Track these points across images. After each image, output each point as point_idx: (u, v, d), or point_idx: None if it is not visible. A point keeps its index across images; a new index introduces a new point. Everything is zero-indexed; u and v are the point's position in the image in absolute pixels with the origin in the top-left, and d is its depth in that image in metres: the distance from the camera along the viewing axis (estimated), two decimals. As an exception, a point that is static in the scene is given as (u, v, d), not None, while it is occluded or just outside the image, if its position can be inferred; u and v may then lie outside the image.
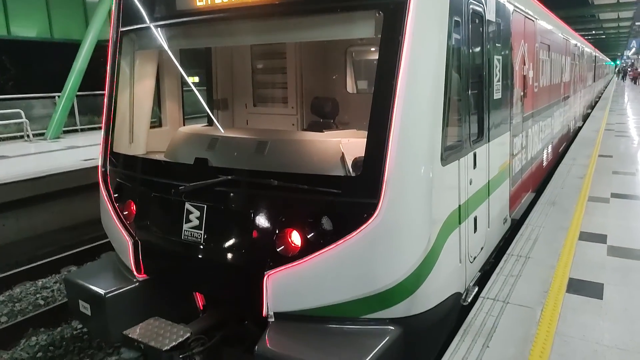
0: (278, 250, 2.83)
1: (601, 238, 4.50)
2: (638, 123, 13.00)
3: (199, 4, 3.27)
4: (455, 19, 3.07)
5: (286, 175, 2.89)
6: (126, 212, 3.61)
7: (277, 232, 2.85)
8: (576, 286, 3.54)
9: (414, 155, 2.72)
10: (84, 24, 14.88)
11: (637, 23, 34.54)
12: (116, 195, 3.71)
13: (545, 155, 6.88)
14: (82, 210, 7.90)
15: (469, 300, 3.31)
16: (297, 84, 4.83)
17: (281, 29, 3.24)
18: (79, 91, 13.10)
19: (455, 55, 3.10)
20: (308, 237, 2.77)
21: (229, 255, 3.07)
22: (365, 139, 2.73)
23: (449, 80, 2.93)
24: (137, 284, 3.41)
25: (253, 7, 3.04)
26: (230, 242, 3.07)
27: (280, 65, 4.98)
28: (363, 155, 2.75)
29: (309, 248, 2.74)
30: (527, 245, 4.35)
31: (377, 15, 2.73)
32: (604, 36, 51.20)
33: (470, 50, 3.44)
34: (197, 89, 4.70)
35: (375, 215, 2.59)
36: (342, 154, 3.04)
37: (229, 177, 3.01)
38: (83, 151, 10.02)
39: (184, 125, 4.51)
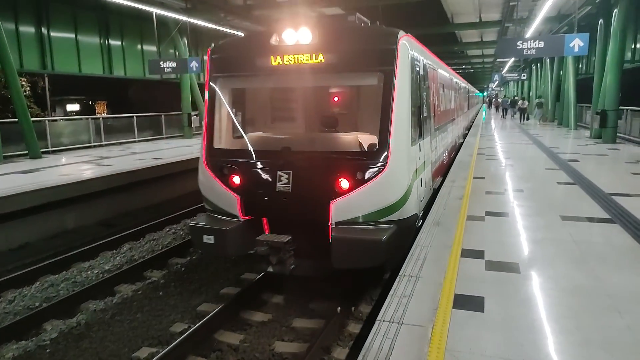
0: (336, 189, 5.19)
1: (480, 254, 4.90)
2: (504, 147, 14.66)
3: (258, 64, 5.80)
4: (412, 75, 5.79)
5: (338, 151, 5.59)
6: (231, 182, 5.65)
7: (335, 180, 5.19)
8: (461, 301, 3.79)
9: (400, 141, 5.29)
10: None
11: (497, 60, 39.37)
12: (221, 172, 5.71)
13: (445, 156, 10.15)
14: None
15: (418, 225, 5.98)
16: (303, 109, 7.19)
17: (321, 78, 5.83)
18: None
19: (413, 92, 5.79)
20: (351, 182, 5.17)
21: (310, 196, 5.30)
22: (366, 135, 5.89)
23: (412, 105, 5.69)
24: (241, 222, 5.60)
25: (302, 68, 5.63)
26: (310, 188, 5.32)
27: (287, 97, 7.35)
28: (371, 142, 5.56)
29: (351, 187, 5.16)
30: (417, 266, 4.60)
31: (380, 74, 5.42)
32: (472, 70, 57.59)
33: (417, 90, 6.26)
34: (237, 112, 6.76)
35: (384, 170, 5.12)
36: (360, 142, 5.76)
37: (313, 151, 5.60)
38: None
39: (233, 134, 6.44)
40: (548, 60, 29.26)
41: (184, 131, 20.55)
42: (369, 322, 5.17)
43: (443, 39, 32.94)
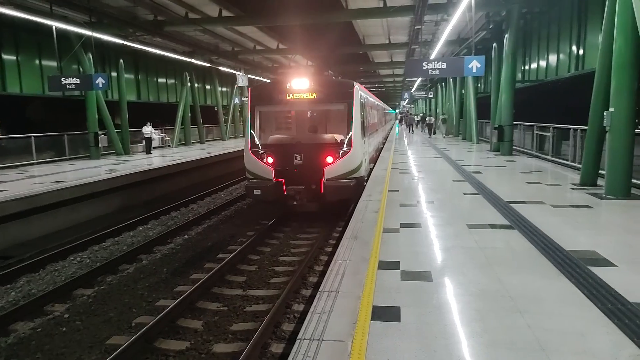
0: (325, 162, 9.71)
1: (395, 265, 5.07)
2: (416, 161, 15.45)
3: (279, 98, 10.45)
4: (361, 101, 10.87)
5: (327, 142, 10.22)
6: (266, 161, 10.03)
7: (324, 157, 9.73)
8: (379, 313, 3.88)
9: (356, 137, 10.01)
10: None
11: (407, 79, 41.68)
12: (260, 156, 10.12)
13: (375, 150, 16.37)
14: None
15: (365, 183, 10.72)
16: (295, 121, 11.48)
17: (315, 106, 10.74)
18: None
19: (360, 112, 10.54)
20: (333, 158, 9.76)
21: (313, 166, 9.74)
22: (338, 135, 10.32)
23: (360, 119, 10.46)
24: (273, 182, 9.83)
25: (308, 98, 10.33)
26: (313, 162, 9.77)
27: (295, 116, 11.52)
28: (342, 138, 10.13)
29: (333, 160, 9.76)
30: (337, 280, 4.64)
31: (345, 104, 10.28)
32: (384, 89, 60.39)
33: (362, 111, 10.89)
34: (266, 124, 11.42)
35: (349, 152, 9.84)
36: (336, 138, 10.24)
37: (313, 143, 10.14)
38: None
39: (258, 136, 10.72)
40: (451, 79, 31.55)
41: (91, 152, 19.25)
42: (292, 340, 5.11)
43: (356, 59, 34.30)
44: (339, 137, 10.28)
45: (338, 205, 10.52)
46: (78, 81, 14.64)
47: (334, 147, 9.98)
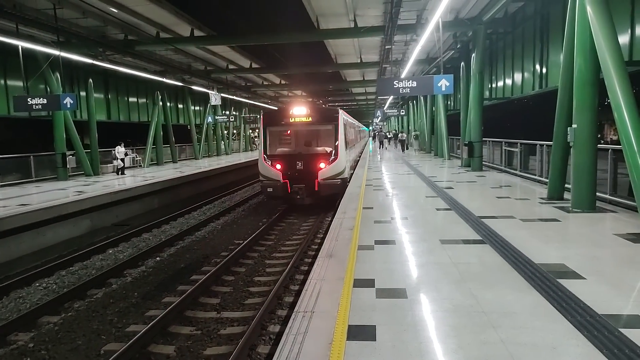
0: (320, 166, 13.47)
1: (370, 282, 5.07)
2: (389, 178, 15.61)
3: (284, 121, 14.25)
4: (344, 123, 14.91)
5: (320, 152, 13.99)
6: (275, 166, 13.62)
7: (319, 163, 13.53)
8: (354, 332, 3.85)
9: (341, 149, 13.85)
10: None
11: (379, 97, 42.34)
12: (272, 163, 13.68)
13: (354, 160, 20.78)
14: None
15: (348, 183, 14.28)
16: (296, 138, 14.70)
17: (310, 126, 14.35)
18: None
19: (344, 131, 14.63)
20: (325, 163, 13.54)
21: (310, 170, 13.47)
22: (328, 148, 14.06)
23: (344, 135, 14.44)
24: (281, 182, 13.51)
25: (306, 122, 14.15)
26: (310, 167, 13.51)
27: (294, 134, 14.75)
28: (331, 149, 13.89)
29: (325, 165, 13.52)
30: (312, 300, 4.60)
31: (332, 125, 14.13)
32: (357, 107, 61.17)
33: (345, 130, 14.98)
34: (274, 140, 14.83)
35: (336, 159, 13.65)
36: (326, 150, 13.99)
37: (310, 153, 14.03)
38: None
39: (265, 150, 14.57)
40: (422, 97, 32.23)
41: (58, 173, 18.72)
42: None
43: (329, 78, 34.69)
44: (328, 149, 14.08)
45: (329, 198, 14.08)
46: (45, 101, 14.28)
47: (325, 156, 13.83)
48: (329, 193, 13.52)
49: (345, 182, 13.81)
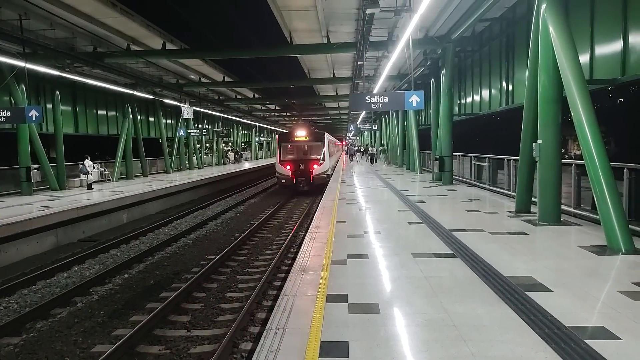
0: (313, 167, 22.79)
1: (343, 298, 5.05)
2: (362, 192, 15.72)
3: (290, 139, 23.76)
4: (328, 140, 24.76)
5: (314, 159, 23.12)
6: (285, 167, 22.94)
7: (313, 165, 22.82)
8: (327, 349, 3.81)
9: (326, 157, 23.23)
10: None
11: (352, 112, 42.81)
12: (284, 165, 22.96)
13: (333, 164, 30.17)
14: None
15: (329, 180, 22.55)
16: (298, 149, 23.51)
17: (307, 143, 23.70)
18: None
19: (328, 146, 24.52)
20: (317, 165, 22.87)
21: (308, 169, 22.80)
22: (318, 156, 23.28)
23: (328, 149, 24.16)
24: (292, 176, 22.75)
25: (304, 140, 23.77)
26: (307, 167, 22.83)
27: (297, 149, 23.53)
28: (319, 157, 23.15)
29: (318, 166, 22.84)
30: (284, 317, 4.54)
31: (321, 141, 23.60)
32: (330, 121, 61.60)
33: (329, 146, 25.22)
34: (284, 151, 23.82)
35: (323, 162, 23.01)
36: (317, 157, 23.16)
37: (307, 159, 23.33)
38: None
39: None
40: (394, 112, 32.76)
41: (22, 187, 18.09)
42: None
43: (302, 92, 34.87)
44: (318, 157, 22.81)
45: (320, 187, 21.46)
46: (9, 114, 13.86)
47: (317, 161, 22.69)
48: (319, 183, 22.12)
49: (329, 177, 23.04)
